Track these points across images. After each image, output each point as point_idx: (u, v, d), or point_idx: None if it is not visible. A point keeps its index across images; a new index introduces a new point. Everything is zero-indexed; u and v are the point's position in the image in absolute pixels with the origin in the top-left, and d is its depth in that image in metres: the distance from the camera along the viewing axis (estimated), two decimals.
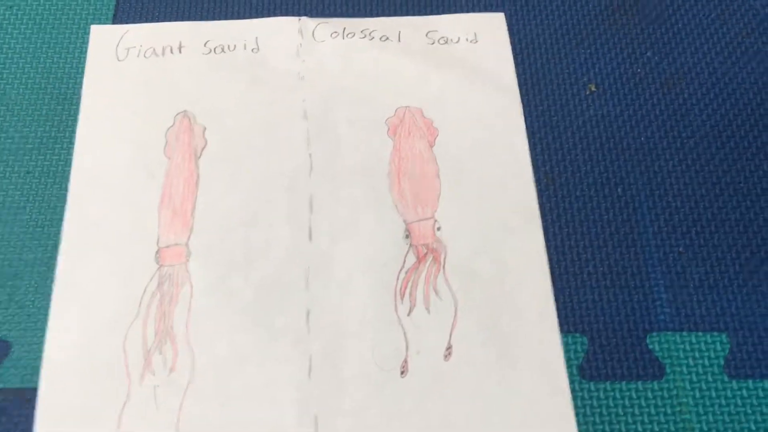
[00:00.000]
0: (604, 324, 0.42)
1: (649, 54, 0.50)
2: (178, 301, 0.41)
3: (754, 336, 0.41)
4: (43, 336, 0.40)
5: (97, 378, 0.40)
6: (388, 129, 0.47)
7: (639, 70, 0.49)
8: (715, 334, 0.41)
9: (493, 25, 0.51)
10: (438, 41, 0.50)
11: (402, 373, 0.40)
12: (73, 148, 0.46)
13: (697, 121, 0.48)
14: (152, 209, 0.44)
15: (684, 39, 0.51)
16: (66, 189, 0.44)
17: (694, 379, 0.40)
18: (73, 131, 0.46)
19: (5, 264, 0.43)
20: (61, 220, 0.43)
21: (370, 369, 0.40)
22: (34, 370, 0.40)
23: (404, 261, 0.43)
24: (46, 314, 0.41)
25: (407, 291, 0.42)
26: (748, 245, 0.44)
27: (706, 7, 0.52)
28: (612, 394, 0.40)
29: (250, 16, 0.51)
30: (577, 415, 0.39)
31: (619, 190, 0.45)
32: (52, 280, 0.42)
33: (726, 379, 0.40)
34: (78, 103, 0.47)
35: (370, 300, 0.42)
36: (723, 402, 0.40)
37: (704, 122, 0.48)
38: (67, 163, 0.45)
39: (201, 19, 0.51)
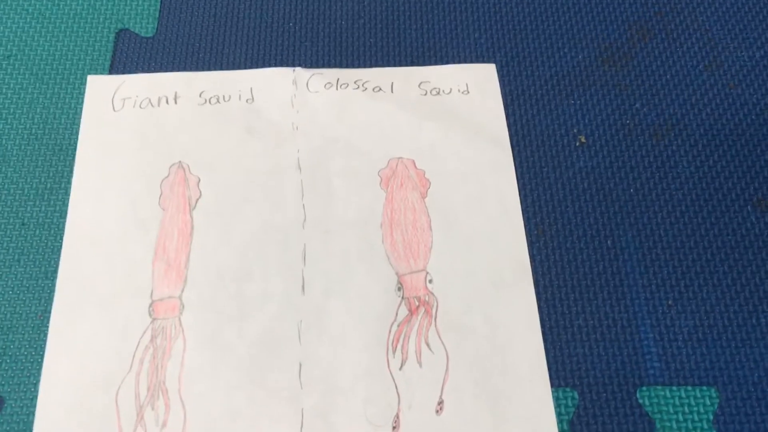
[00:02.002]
0: (594, 378, 0.42)
1: (637, 105, 0.51)
2: (171, 355, 0.42)
3: (743, 390, 0.42)
4: (36, 390, 0.40)
5: None
6: (381, 180, 0.47)
7: (628, 121, 0.50)
8: (705, 388, 0.42)
9: (485, 76, 0.52)
10: (430, 92, 0.51)
11: (394, 428, 0.40)
12: (68, 199, 0.46)
13: (686, 173, 0.48)
14: (146, 261, 0.44)
15: (672, 90, 0.52)
16: (61, 241, 0.45)
17: None
18: (69, 182, 0.47)
19: None
20: (55, 272, 0.44)
21: (361, 424, 0.40)
22: (27, 426, 0.40)
23: (396, 313, 0.43)
24: (39, 368, 0.41)
25: (399, 344, 0.42)
26: (736, 299, 0.44)
27: (694, 58, 0.53)
28: None
29: (245, 67, 0.52)
30: None
31: (609, 242, 0.46)
32: (45, 334, 0.42)
33: None
34: (74, 154, 0.48)
35: (363, 353, 0.42)
36: None
37: (693, 174, 0.48)
38: (62, 214, 0.46)
39: (196, 69, 0.51)
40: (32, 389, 0.41)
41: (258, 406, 0.40)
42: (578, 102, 0.51)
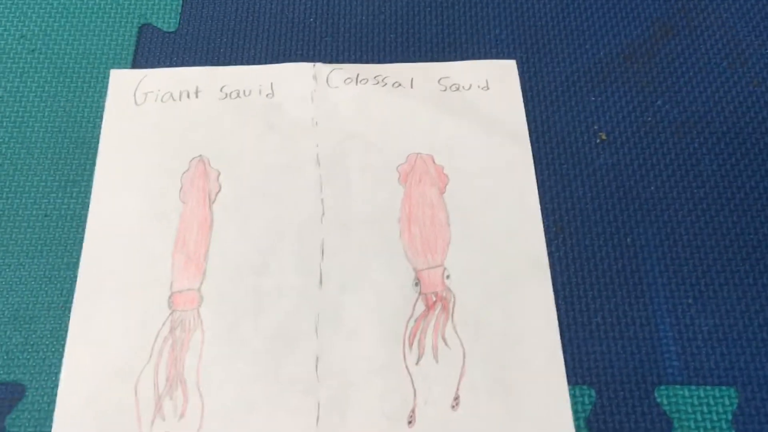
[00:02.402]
0: (612, 376, 0.42)
1: (659, 102, 0.50)
2: (190, 346, 0.42)
3: (763, 391, 0.41)
4: (57, 380, 0.41)
5: (109, 422, 0.40)
6: (400, 176, 0.48)
7: (650, 118, 0.50)
8: (724, 388, 0.41)
9: (505, 73, 0.51)
10: (450, 88, 0.51)
11: (410, 422, 0.40)
12: (90, 191, 0.47)
13: (708, 171, 0.48)
14: (166, 254, 0.45)
15: (695, 88, 0.51)
16: (83, 233, 0.45)
17: None
18: (91, 175, 0.47)
19: (21, 307, 0.43)
20: (77, 263, 0.44)
21: (377, 418, 0.40)
22: (48, 414, 0.41)
23: (413, 309, 0.43)
24: (60, 358, 0.42)
25: (416, 339, 0.42)
26: (758, 299, 0.44)
27: (717, 55, 0.52)
28: None
29: (266, 62, 0.52)
30: None
31: (629, 240, 0.45)
32: (67, 324, 0.42)
33: None
34: (96, 147, 0.48)
35: (379, 348, 0.42)
36: None
37: (715, 172, 0.48)
38: (85, 206, 0.46)
39: (218, 64, 0.52)
40: (53, 378, 0.41)
41: (274, 398, 0.41)
42: (599, 99, 0.51)
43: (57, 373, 0.41)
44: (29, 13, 0.54)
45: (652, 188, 0.47)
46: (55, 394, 0.41)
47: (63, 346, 0.42)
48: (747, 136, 0.49)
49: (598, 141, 0.49)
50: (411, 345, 0.42)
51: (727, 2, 0.54)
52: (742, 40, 0.53)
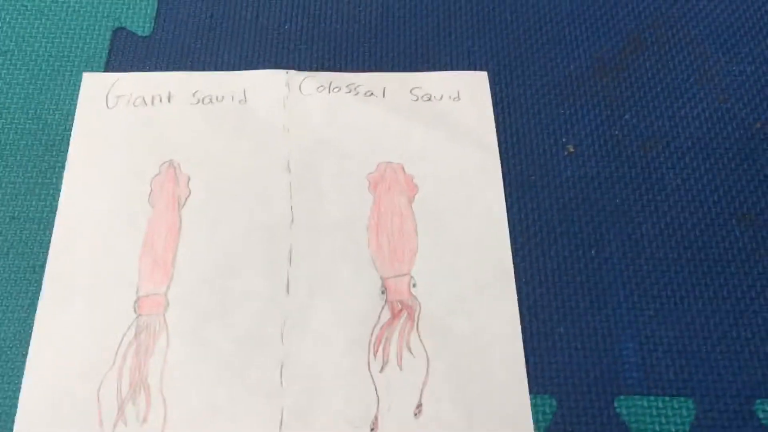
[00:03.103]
0: (573, 386, 0.42)
1: (627, 116, 0.51)
2: (154, 351, 0.42)
3: (720, 402, 0.42)
4: (19, 382, 0.41)
5: (71, 426, 0.40)
6: (369, 184, 0.48)
7: (617, 132, 0.51)
8: (682, 399, 0.42)
9: (476, 84, 0.52)
10: (422, 98, 0.51)
11: (372, 429, 0.41)
12: (59, 194, 0.46)
13: (672, 185, 0.49)
14: (133, 257, 0.45)
15: (662, 102, 0.52)
16: (50, 235, 0.45)
17: None
18: (60, 177, 0.47)
19: None
20: (43, 266, 0.44)
21: (340, 425, 0.41)
22: (9, 417, 0.40)
23: (379, 316, 0.44)
24: (23, 360, 0.42)
25: (381, 347, 0.43)
26: (717, 312, 0.44)
27: (685, 71, 0.53)
28: None
29: (240, 68, 0.52)
30: None
31: (593, 252, 0.46)
32: (31, 326, 0.42)
33: None
34: (66, 150, 0.48)
35: (344, 355, 0.42)
36: None
37: (679, 186, 0.49)
38: (53, 209, 0.46)
39: (191, 69, 0.52)
40: (16, 381, 0.41)
41: (238, 403, 0.41)
42: (568, 112, 0.51)
43: (20, 376, 0.41)
44: (2, 14, 0.54)
45: (617, 200, 0.48)
46: (17, 397, 0.40)
47: (26, 348, 0.42)
48: (712, 151, 0.50)
49: (566, 153, 0.50)
50: (376, 353, 0.43)
51: (695, 20, 0.56)
52: (709, 57, 0.54)
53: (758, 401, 0.42)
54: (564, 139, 0.50)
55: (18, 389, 0.41)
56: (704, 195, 0.48)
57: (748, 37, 0.55)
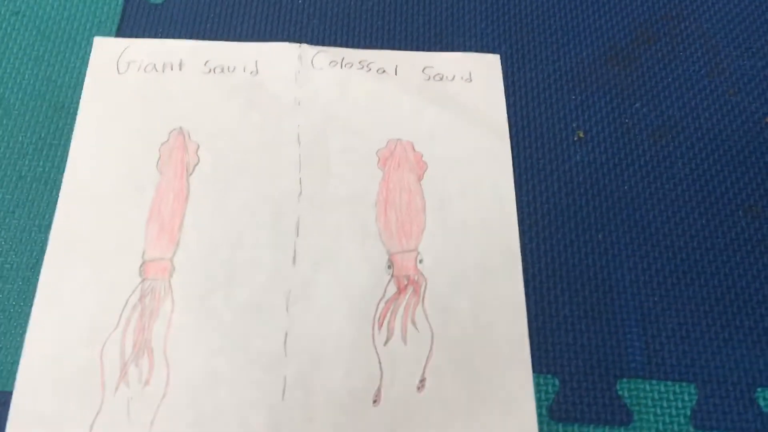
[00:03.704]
0: (576, 367, 0.42)
1: (637, 105, 0.51)
2: (159, 315, 0.42)
3: (722, 389, 0.42)
4: (22, 340, 0.41)
5: (72, 386, 0.40)
6: (379, 160, 0.48)
7: (627, 120, 0.51)
8: (684, 384, 0.42)
9: (488, 66, 0.52)
10: (434, 77, 0.51)
11: (375, 401, 0.41)
12: (67, 156, 0.46)
13: (680, 174, 0.49)
14: (140, 222, 0.45)
15: (673, 93, 0.52)
16: (56, 196, 0.45)
17: (661, 428, 0.41)
18: (69, 139, 0.47)
19: None
20: (49, 226, 0.44)
21: (343, 396, 0.41)
22: (11, 374, 0.40)
23: (385, 291, 0.44)
24: (26, 319, 0.41)
25: (385, 321, 0.43)
26: (721, 300, 0.45)
27: (696, 63, 0.53)
28: None
29: (252, 39, 0.52)
30: None
31: (600, 236, 0.46)
32: (35, 286, 0.42)
33: (692, 429, 0.41)
34: (75, 113, 0.48)
35: (349, 327, 0.42)
36: None
37: (687, 176, 0.49)
38: (60, 170, 0.46)
39: (203, 38, 0.52)
40: (18, 339, 0.41)
41: (241, 371, 0.41)
42: (579, 98, 0.51)
43: (22, 334, 0.41)
44: None
45: (625, 188, 0.48)
46: (20, 354, 0.40)
47: (30, 307, 0.41)
48: (721, 142, 0.50)
49: (575, 139, 0.50)
50: (381, 326, 0.43)
51: (707, 13, 0.56)
52: (720, 50, 0.54)
53: (759, 389, 0.42)
54: (574, 125, 0.50)
55: (20, 349, 0.40)
56: (712, 185, 0.49)
57: (759, 32, 0.55)
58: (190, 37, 0.52)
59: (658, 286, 0.45)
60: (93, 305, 0.42)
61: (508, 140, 0.49)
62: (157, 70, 0.50)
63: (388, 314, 0.43)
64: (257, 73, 0.51)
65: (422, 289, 0.44)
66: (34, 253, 0.43)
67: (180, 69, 0.50)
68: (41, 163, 0.46)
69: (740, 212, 0.48)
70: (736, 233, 0.47)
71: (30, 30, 0.51)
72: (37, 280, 0.42)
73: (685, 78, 0.53)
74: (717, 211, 0.48)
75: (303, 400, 0.40)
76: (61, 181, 0.45)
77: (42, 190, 0.45)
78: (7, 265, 0.43)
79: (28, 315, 0.41)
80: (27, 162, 0.46)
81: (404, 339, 0.42)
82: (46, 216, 0.44)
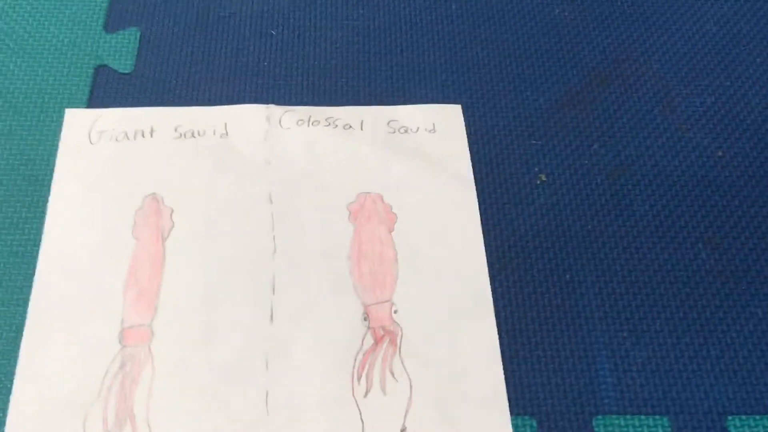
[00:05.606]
0: (552, 407, 0.43)
1: (595, 146, 0.53)
2: (140, 382, 0.42)
3: (694, 419, 0.43)
4: (4, 415, 0.41)
5: None
6: (350, 214, 0.49)
7: (586, 161, 0.53)
8: (657, 417, 0.43)
9: (451, 116, 0.54)
10: (398, 130, 0.53)
11: None
12: (42, 229, 0.47)
13: (640, 211, 0.51)
14: (118, 290, 0.45)
15: (628, 132, 0.54)
16: (33, 270, 0.45)
17: None
18: (44, 212, 0.48)
19: None
20: (27, 300, 0.44)
21: None
22: None
23: (362, 343, 0.45)
24: (8, 393, 0.42)
25: (364, 372, 0.44)
26: (688, 331, 0.46)
27: (649, 103, 0.56)
28: None
29: (221, 103, 0.54)
30: None
31: (567, 276, 0.48)
32: (15, 360, 0.42)
33: None
34: (49, 185, 0.49)
35: (328, 381, 0.43)
36: None
37: (647, 212, 0.51)
38: (36, 243, 0.46)
39: (173, 104, 0.53)
40: (1, 414, 0.41)
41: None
42: (539, 142, 0.53)
43: (5, 409, 0.41)
44: None
45: (589, 227, 0.50)
46: (2, 430, 0.40)
47: (11, 381, 0.42)
48: (677, 178, 0.52)
49: (538, 182, 0.52)
50: (359, 378, 0.43)
51: (656, 54, 0.58)
52: (671, 89, 0.56)
53: (729, 417, 0.43)
54: (536, 169, 0.52)
55: (3, 423, 0.41)
56: (671, 220, 0.50)
57: (707, 69, 0.58)
58: (160, 104, 0.53)
59: (626, 321, 0.46)
60: (74, 377, 0.42)
61: (474, 187, 0.51)
62: (128, 138, 0.51)
63: (367, 366, 0.44)
64: (227, 135, 0.52)
65: (398, 339, 0.45)
66: (14, 327, 0.44)
67: (151, 136, 0.51)
68: (17, 236, 0.47)
69: (700, 244, 0.50)
70: (697, 265, 0.49)
71: (1, 104, 0.52)
72: (18, 354, 0.42)
73: (639, 117, 0.55)
74: (678, 245, 0.50)
75: None
76: (37, 255, 0.46)
77: (19, 263, 0.46)
78: None
79: (9, 390, 0.42)
80: (2, 236, 0.47)
81: (383, 389, 0.43)
82: (24, 290, 0.45)
